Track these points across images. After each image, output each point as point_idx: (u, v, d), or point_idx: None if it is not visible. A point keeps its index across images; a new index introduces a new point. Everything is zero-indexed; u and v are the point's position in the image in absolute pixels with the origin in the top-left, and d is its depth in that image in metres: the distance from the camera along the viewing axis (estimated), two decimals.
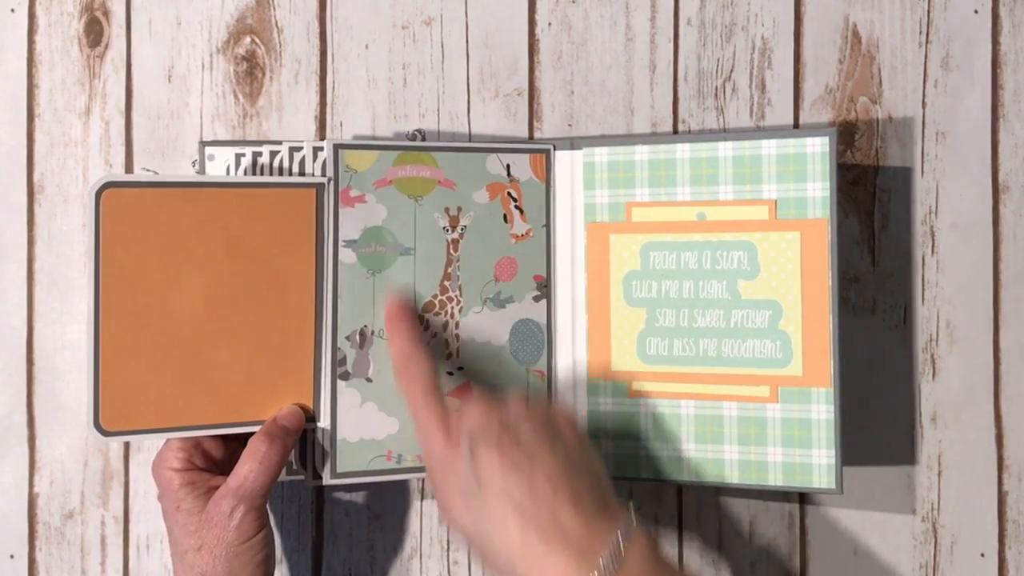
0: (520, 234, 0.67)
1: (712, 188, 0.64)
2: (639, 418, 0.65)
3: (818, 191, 0.62)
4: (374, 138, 0.70)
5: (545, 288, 0.67)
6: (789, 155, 0.63)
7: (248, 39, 0.70)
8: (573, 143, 0.67)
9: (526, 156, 0.67)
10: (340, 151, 0.63)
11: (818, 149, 0.62)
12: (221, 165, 0.66)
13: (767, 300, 0.63)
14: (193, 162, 0.69)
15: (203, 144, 0.67)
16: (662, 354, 0.65)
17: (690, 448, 0.65)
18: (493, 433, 0.56)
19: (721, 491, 0.69)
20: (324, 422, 0.62)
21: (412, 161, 0.64)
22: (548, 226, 0.67)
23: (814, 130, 0.63)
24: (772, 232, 0.63)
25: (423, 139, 0.69)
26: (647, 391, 0.65)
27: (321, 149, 0.63)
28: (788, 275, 0.63)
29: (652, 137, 0.68)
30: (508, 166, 0.66)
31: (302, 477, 0.64)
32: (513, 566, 0.54)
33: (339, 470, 0.63)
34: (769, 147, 0.63)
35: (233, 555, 0.58)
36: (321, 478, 0.63)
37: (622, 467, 0.65)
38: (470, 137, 0.70)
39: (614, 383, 0.66)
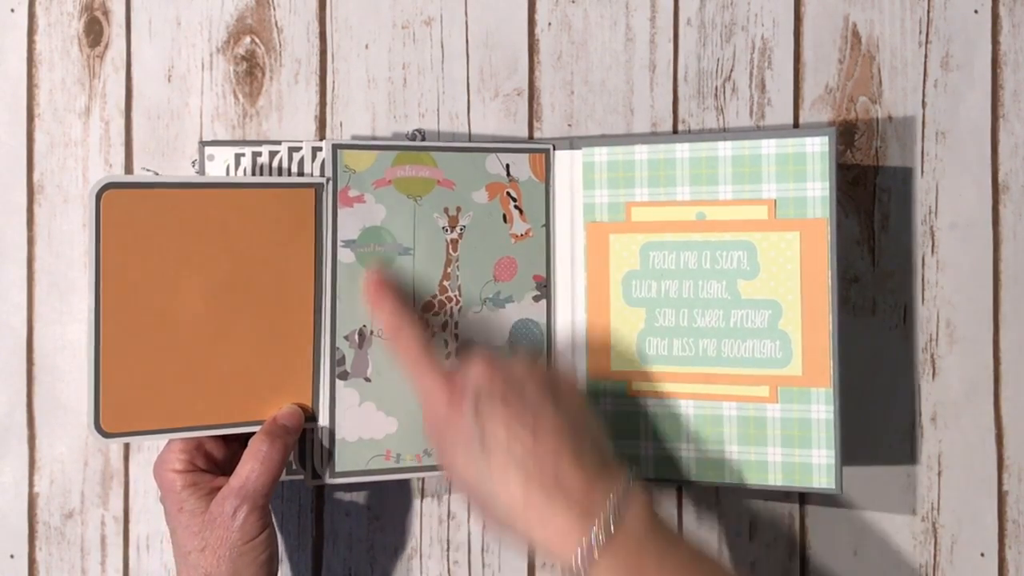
0: (519, 234, 0.67)
1: (711, 188, 0.64)
2: (639, 418, 0.65)
3: (818, 191, 0.62)
4: (373, 138, 0.70)
5: (545, 288, 0.67)
6: (788, 155, 0.63)
7: (248, 39, 0.71)
8: (572, 143, 0.67)
9: (525, 156, 0.67)
10: (339, 151, 0.63)
11: (817, 149, 0.62)
12: (221, 165, 0.66)
13: (767, 300, 0.63)
14: (193, 162, 0.69)
15: (203, 144, 0.67)
16: (662, 354, 0.65)
17: (690, 448, 0.65)
18: (498, 390, 0.57)
19: (721, 491, 0.69)
20: (323, 422, 0.62)
21: (411, 161, 0.64)
22: (548, 226, 0.67)
23: (813, 130, 0.63)
24: (772, 232, 0.63)
25: (423, 139, 0.69)
26: (647, 391, 0.65)
27: (320, 149, 0.63)
28: (788, 275, 0.63)
29: (651, 137, 0.68)
30: (507, 166, 0.66)
31: (302, 477, 0.64)
32: (514, 521, 0.55)
33: (338, 470, 0.63)
34: (768, 147, 0.63)
35: (237, 555, 0.58)
36: (321, 478, 0.63)
37: None
38: (470, 137, 0.70)
39: (614, 383, 0.66)
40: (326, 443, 0.63)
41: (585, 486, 0.54)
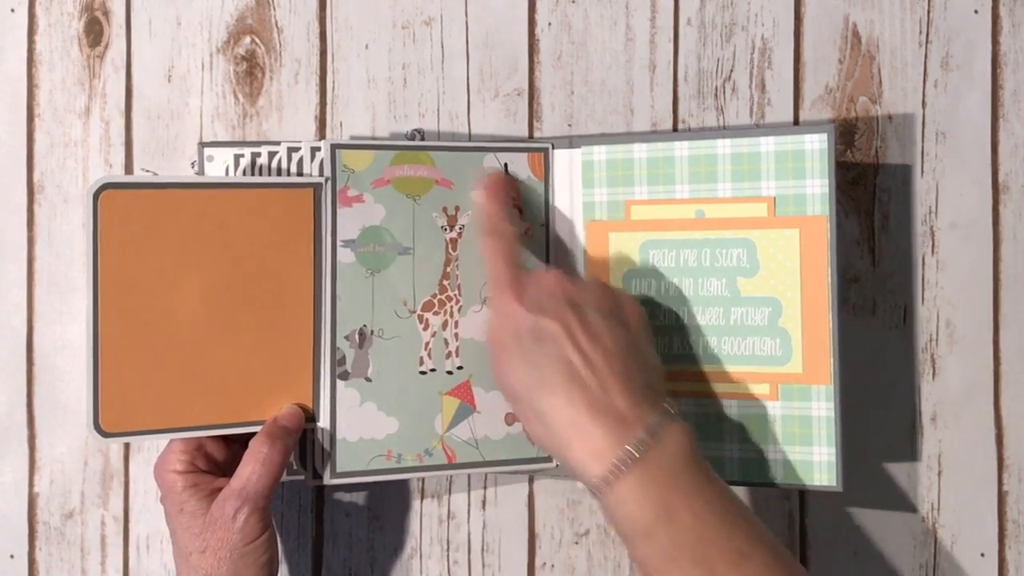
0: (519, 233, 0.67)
1: (711, 185, 0.64)
2: None
3: (817, 188, 0.62)
4: (373, 138, 0.70)
5: None
6: (787, 152, 0.63)
7: (248, 39, 0.71)
8: (571, 141, 0.67)
9: (524, 155, 0.67)
10: (337, 151, 0.63)
11: (816, 146, 0.62)
12: (220, 166, 0.66)
13: (766, 297, 0.63)
14: (192, 163, 0.69)
15: (202, 145, 0.67)
16: (662, 352, 0.65)
17: None
18: (563, 302, 0.57)
19: None
20: (323, 422, 0.62)
21: (409, 160, 0.64)
22: (547, 225, 0.67)
23: (812, 126, 0.63)
24: (771, 229, 0.63)
25: (422, 139, 0.69)
26: None
27: (319, 149, 0.63)
28: (787, 272, 0.63)
29: (650, 135, 0.68)
30: (506, 165, 0.66)
31: (302, 477, 0.63)
32: (555, 430, 0.55)
33: (339, 470, 0.63)
34: (767, 144, 0.63)
35: (238, 557, 0.58)
36: (321, 478, 0.62)
37: None
38: (470, 137, 0.70)
39: None
40: (326, 443, 0.62)
41: (628, 408, 0.54)
